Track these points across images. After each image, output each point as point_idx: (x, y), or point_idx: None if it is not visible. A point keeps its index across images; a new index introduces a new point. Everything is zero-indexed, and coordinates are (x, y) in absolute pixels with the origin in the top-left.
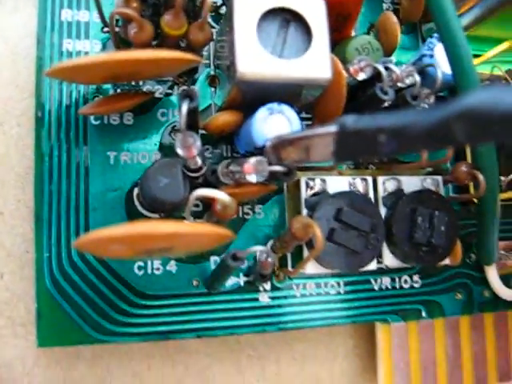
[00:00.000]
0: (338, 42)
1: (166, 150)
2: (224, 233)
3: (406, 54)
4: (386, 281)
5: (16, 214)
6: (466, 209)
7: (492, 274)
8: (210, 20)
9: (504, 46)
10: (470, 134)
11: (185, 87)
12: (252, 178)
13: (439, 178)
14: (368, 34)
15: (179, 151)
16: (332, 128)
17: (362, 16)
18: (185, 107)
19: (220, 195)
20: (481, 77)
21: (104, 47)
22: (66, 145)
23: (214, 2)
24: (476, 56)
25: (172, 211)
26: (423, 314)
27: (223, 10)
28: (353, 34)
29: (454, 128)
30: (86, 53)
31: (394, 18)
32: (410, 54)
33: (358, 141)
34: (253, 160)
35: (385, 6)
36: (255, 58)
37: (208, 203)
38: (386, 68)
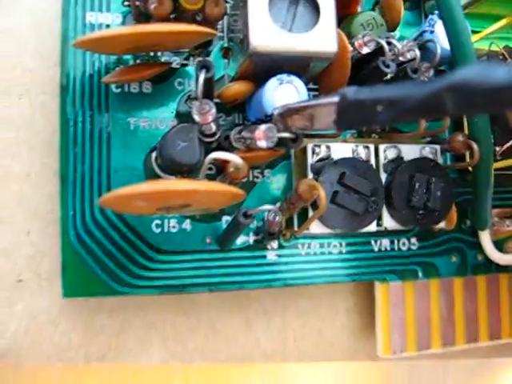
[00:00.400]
0: (345, 17)
1: (182, 117)
2: (237, 192)
3: (410, 29)
4: (385, 242)
5: (42, 176)
6: (462, 177)
7: (485, 238)
8: None
9: (502, 22)
10: (459, 105)
11: (200, 58)
12: (262, 144)
13: (437, 146)
14: (373, 10)
15: (196, 117)
16: (334, 98)
17: None
18: (202, 77)
19: (233, 158)
20: (479, 52)
21: (124, 20)
22: (89, 111)
23: None
24: (476, 32)
25: (188, 173)
26: (419, 274)
27: None
28: (359, 9)
29: (445, 99)
30: (108, 25)
31: None
32: (413, 30)
33: (357, 110)
34: (263, 127)
35: None
36: (267, 32)
37: (221, 166)
38: (389, 43)
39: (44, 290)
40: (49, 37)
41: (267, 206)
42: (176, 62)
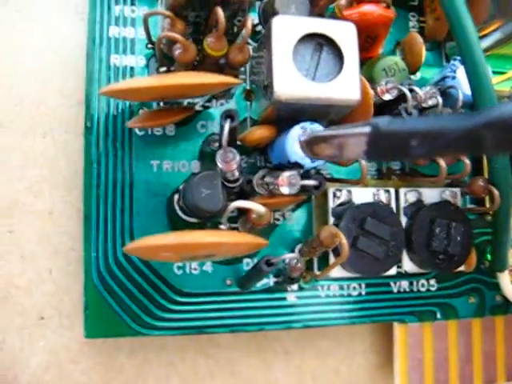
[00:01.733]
0: (366, 60)
1: (205, 160)
2: (260, 242)
3: (431, 69)
4: (404, 284)
5: (63, 214)
6: (482, 218)
7: (504, 280)
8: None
9: None
10: (498, 143)
11: (223, 101)
12: (285, 190)
13: (457, 190)
14: (394, 51)
15: (220, 165)
16: (365, 128)
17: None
18: (227, 126)
19: (256, 207)
20: (500, 94)
21: (148, 62)
22: (112, 153)
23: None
24: (499, 73)
25: (211, 218)
26: (438, 315)
27: (259, 27)
28: (380, 51)
29: (484, 136)
30: (132, 68)
31: (419, 39)
32: (434, 70)
33: (389, 142)
34: (286, 174)
35: (411, 23)
36: (291, 80)
37: (243, 210)
38: (411, 90)
39: (65, 328)
40: (72, 76)
41: (289, 255)
42: (199, 104)
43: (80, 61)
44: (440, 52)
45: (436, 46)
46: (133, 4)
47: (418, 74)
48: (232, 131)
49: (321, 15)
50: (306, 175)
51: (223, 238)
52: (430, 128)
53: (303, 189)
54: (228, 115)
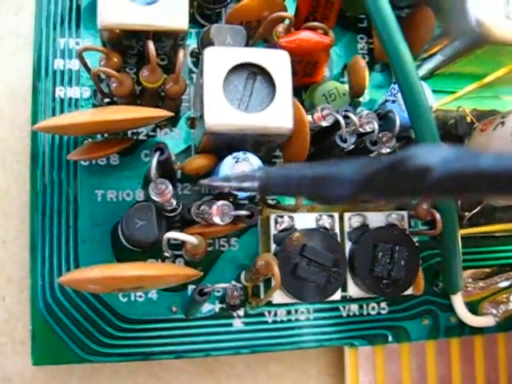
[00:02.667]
0: (310, 85)
1: None
2: (189, 273)
3: (379, 91)
4: (353, 308)
5: (16, 243)
6: (435, 240)
7: (457, 302)
8: (190, 65)
9: (473, 86)
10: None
11: (167, 129)
12: (217, 220)
13: (404, 213)
14: (342, 74)
15: (153, 197)
16: (255, 183)
17: (337, 56)
18: (155, 160)
19: (186, 238)
20: (449, 114)
21: (93, 94)
22: (58, 183)
23: (195, 48)
24: (448, 93)
25: (150, 248)
26: (389, 338)
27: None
28: (328, 73)
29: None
30: (77, 100)
31: (362, 62)
32: (383, 92)
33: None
34: (219, 203)
35: (359, 45)
36: (221, 110)
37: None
38: (346, 116)
39: (17, 354)
40: (23, 107)
41: (222, 285)
42: (143, 133)
43: (29, 93)
44: (389, 73)
45: (385, 67)
46: (77, 36)
47: (367, 96)
48: (165, 163)
49: (265, 40)
50: (243, 204)
51: (148, 271)
52: (320, 173)
53: (237, 218)
54: (157, 148)
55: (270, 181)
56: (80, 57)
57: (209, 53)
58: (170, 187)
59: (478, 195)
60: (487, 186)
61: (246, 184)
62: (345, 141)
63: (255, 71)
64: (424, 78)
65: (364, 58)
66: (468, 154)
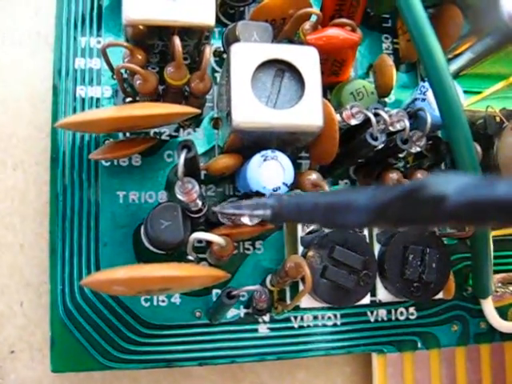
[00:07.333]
0: (336, 84)
1: (172, 190)
2: (218, 274)
3: (405, 91)
4: (381, 313)
5: (35, 246)
6: (464, 243)
7: (488, 306)
8: (213, 64)
9: (500, 85)
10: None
11: (190, 130)
12: (246, 221)
13: None
14: (367, 73)
15: (179, 197)
16: (267, 211)
17: (361, 56)
18: (182, 157)
19: (215, 238)
20: (476, 115)
21: (114, 93)
22: (78, 184)
23: (218, 47)
24: (474, 93)
25: (174, 250)
26: (419, 344)
27: (226, 55)
28: (352, 74)
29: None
30: (98, 99)
31: (390, 61)
32: (409, 92)
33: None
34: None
35: (384, 45)
36: (249, 108)
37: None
38: (377, 114)
39: (35, 361)
40: (42, 108)
41: (252, 287)
42: (165, 133)
43: (49, 93)
44: (415, 73)
45: (411, 67)
46: (99, 35)
47: (393, 97)
48: (191, 161)
49: (289, 40)
50: None
51: (175, 272)
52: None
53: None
54: (184, 146)
55: (282, 209)
56: (104, 53)
57: (236, 49)
58: (197, 187)
59: (495, 224)
60: (503, 215)
61: (258, 212)
62: (376, 139)
63: (283, 68)
64: None
65: None
66: (484, 182)
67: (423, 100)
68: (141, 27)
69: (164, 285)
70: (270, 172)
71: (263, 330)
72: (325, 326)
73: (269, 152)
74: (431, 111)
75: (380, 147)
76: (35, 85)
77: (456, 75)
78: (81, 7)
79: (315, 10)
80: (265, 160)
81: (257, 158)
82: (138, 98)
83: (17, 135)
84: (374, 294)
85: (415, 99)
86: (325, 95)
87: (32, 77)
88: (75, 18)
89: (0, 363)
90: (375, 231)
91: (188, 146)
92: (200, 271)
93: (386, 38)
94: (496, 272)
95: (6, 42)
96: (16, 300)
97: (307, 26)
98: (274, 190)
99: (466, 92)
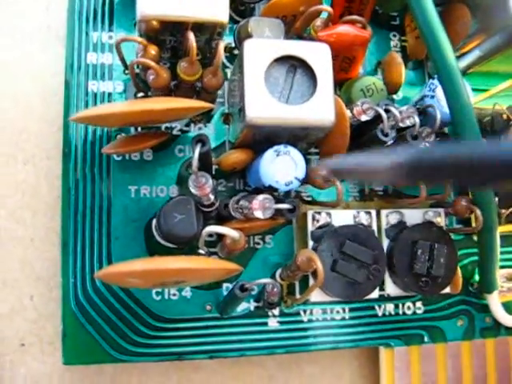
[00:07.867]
0: (346, 81)
1: (183, 184)
2: (232, 267)
3: (413, 89)
4: (389, 307)
5: (45, 240)
6: (470, 238)
7: (493, 301)
8: (224, 60)
9: (507, 83)
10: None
11: (201, 125)
12: (259, 214)
13: (441, 210)
14: (375, 70)
15: (193, 190)
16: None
17: (369, 54)
18: (197, 151)
19: (228, 232)
20: (483, 112)
21: (126, 88)
22: (90, 178)
23: (229, 43)
24: (481, 91)
25: (186, 244)
26: (425, 338)
27: (237, 51)
28: (361, 71)
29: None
30: (110, 94)
31: (399, 58)
32: (416, 89)
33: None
34: (260, 197)
35: (392, 43)
36: (262, 103)
37: (220, 235)
38: (387, 110)
39: (46, 354)
40: (53, 102)
41: (264, 280)
42: (177, 128)
43: (60, 87)
44: (422, 71)
45: (418, 64)
46: (110, 30)
47: (400, 94)
48: (204, 156)
49: (299, 37)
50: (281, 199)
51: (190, 264)
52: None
53: (278, 213)
54: (198, 140)
55: (422, 161)
56: (117, 48)
57: (249, 45)
58: (211, 181)
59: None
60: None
61: (387, 160)
62: (386, 135)
63: (295, 64)
64: None
65: None
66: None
67: (432, 97)
68: (154, 23)
69: (179, 277)
70: (282, 166)
71: (273, 323)
72: (333, 319)
73: (281, 147)
74: (440, 108)
75: (390, 143)
76: (46, 79)
77: (464, 73)
78: (93, 2)
79: (327, 7)
80: (278, 155)
81: (270, 153)
82: (149, 94)
83: (27, 130)
84: (382, 289)
85: (424, 96)
86: (334, 91)
87: (43, 71)
88: (87, 13)
89: (10, 357)
90: (383, 226)
91: (203, 140)
92: (214, 264)
93: (394, 36)
94: (502, 267)
95: (16, 36)
96: (26, 294)
97: (318, 22)
98: (286, 185)
99: (473, 90)
